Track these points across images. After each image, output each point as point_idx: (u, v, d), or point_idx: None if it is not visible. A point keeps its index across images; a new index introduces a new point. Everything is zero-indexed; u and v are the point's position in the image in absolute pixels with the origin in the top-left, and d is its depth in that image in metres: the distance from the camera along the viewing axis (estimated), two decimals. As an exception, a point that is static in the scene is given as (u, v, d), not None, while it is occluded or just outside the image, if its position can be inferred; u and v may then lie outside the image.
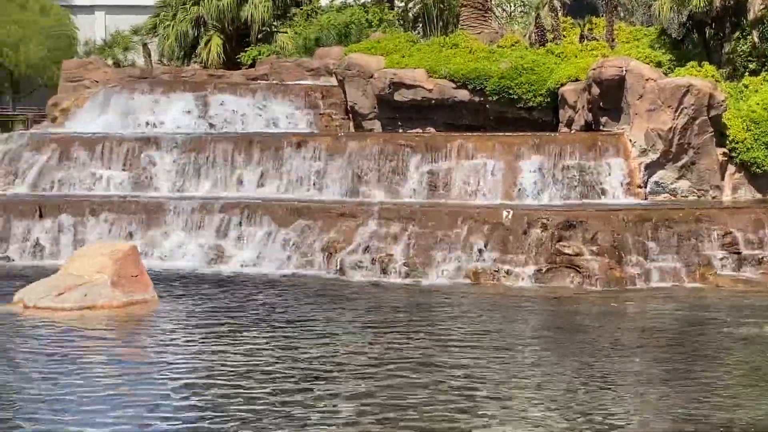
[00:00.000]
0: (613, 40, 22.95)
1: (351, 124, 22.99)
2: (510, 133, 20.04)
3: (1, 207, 18.18)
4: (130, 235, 17.64)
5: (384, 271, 16.21)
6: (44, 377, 9.51)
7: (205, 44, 31.71)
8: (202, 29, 32.56)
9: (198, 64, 31.55)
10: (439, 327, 12.29)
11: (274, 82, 25.14)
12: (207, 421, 8.18)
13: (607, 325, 12.76)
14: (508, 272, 15.90)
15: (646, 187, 18.91)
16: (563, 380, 9.70)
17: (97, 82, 25.54)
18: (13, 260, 17.55)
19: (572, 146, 18.77)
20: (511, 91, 21.30)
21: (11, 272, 16.34)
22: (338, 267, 16.44)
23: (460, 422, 8.24)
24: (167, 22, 33.25)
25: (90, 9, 54.97)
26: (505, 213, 16.50)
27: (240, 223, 17.60)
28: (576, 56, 21.84)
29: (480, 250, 16.17)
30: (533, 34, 24.11)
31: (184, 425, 8.10)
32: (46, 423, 8.09)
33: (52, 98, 26.66)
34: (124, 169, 20.02)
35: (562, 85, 20.79)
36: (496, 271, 15.94)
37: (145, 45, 33.52)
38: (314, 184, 19.24)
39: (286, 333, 11.74)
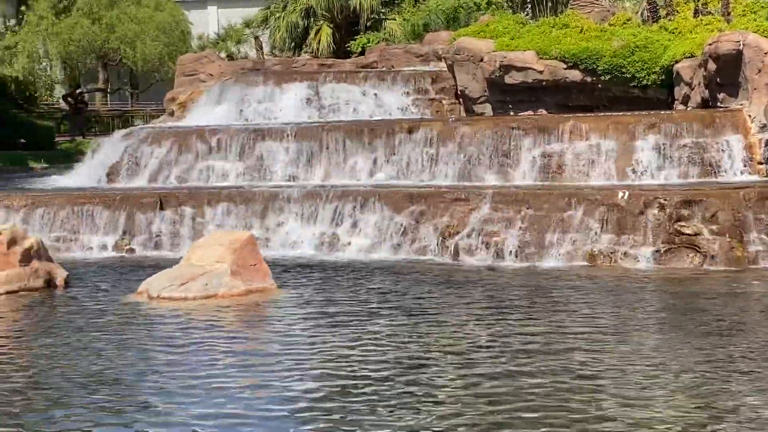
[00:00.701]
0: (729, 14, 22.33)
1: (461, 108, 22.96)
2: (624, 113, 19.71)
3: (124, 200, 18.73)
4: (247, 224, 17.97)
5: (498, 255, 16.17)
6: (170, 366, 9.77)
7: (315, 34, 32.12)
8: (312, 19, 32.97)
9: (308, 54, 31.95)
10: (557, 310, 12.19)
11: (384, 69, 25.28)
12: (332, 405, 8.29)
13: (729, 305, 12.48)
14: (625, 254, 15.67)
15: (766, 163, 18.38)
16: (688, 363, 9.52)
17: (212, 75, 26.09)
18: (136, 252, 18.05)
19: (689, 124, 18.35)
20: (624, 70, 20.96)
21: (135, 264, 16.83)
22: (452, 252, 16.46)
23: (582, 409, 8.17)
24: (278, 14, 33.78)
25: (202, 3, 56.08)
26: (621, 194, 16.25)
27: (354, 210, 17.76)
28: (690, 32, 21.35)
29: (596, 232, 15.98)
30: (645, 11, 23.64)
31: (308, 412, 8.21)
32: (168, 413, 8.29)
33: (168, 93, 27.36)
34: (239, 160, 20.42)
35: (677, 61, 20.36)
36: (612, 252, 15.72)
37: (256, 37, 34.16)
38: (426, 169, 19.27)
39: (404, 319, 11.80)
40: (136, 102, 53.25)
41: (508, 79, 21.85)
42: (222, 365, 9.71)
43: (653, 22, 22.79)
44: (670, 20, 22.44)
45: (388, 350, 10.22)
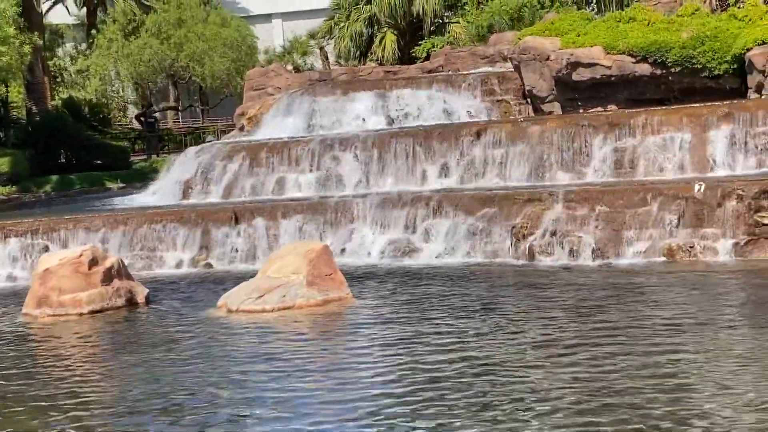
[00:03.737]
0: (800, -2, 21.89)
1: (529, 108, 22.83)
2: (697, 104, 19.40)
3: (200, 216, 18.95)
4: (321, 235, 18.06)
5: (574, 255, 16.01)
6: (250, 374, 9.85)
7: (380, 42, 32.20)
8: (376, 27, 33.07)
9: (374, 61, 32.04)
10: (639, 308, 12.02)
11: (450, 72, 25.24)
12: (414, 413, 8.28)
13: (815, 296, 12.19)
14: (704, 247, 15.41)
15: None
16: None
17: (279, 88, 26.32)
18: (213, 266, 18.24)
19: (764, 112, 17.98)
20: (694, 61, 20.65)
21: (213, 278, 17.01)
22: (527, 253, 16.34)
23: (672, 406, 8.04)
24: (342, 24, 33.94)
25: (267, 17, 56.57)
26: (697, 186, 15.99)
27: (426, 215, 17.74)
28: (761, 19, 20.93)
29: (674, 227, 15.74)
30: (713, 0, 23.27)
31: (388, 420, 8.21)
32: (251, 426, 8.36)
33: (238, 108, 27.66)
34: (311, 171, 20.55)
35: (749, 49, 19.99)
36: (692, 247, 15.47)
37: (321, 48, 34.38)
38: (497, 171, 19.18)
39: (485, 322, 11.73)
40: (207, 118, 53.92)
41: (575, 77, 21.68)
42: (305, 375, 9.76)
43: (722, 10, 22.43)
44: (739, 8, 22.05)
45: (473, 354, 10.14)
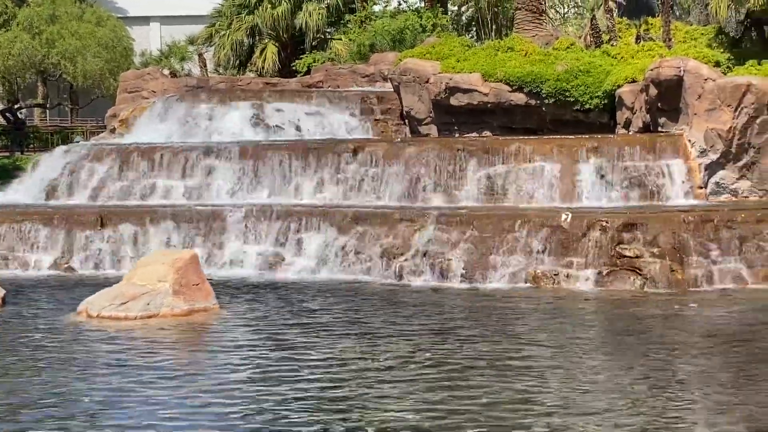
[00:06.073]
0: (670, 40, 22.72)
1: (407, 129, 23.02)
2: (567, 136, 19.91)
3: (64, 217, 18.44)
4: (190, 243, 17.79)
5: (443, 276, 16.19)
6: (107, 385, 9.62)
7: (261, 53, 32.00)
8: (257, 38, 32.87)
9: (253, 72, 31.84)
10: (500, 331, 12.23)
11: (330, 88, 25.26)
12: (263, 425, 8.22)
13: (670, 328, 12.61)
14: (567, 275, 15.79)
15: (706, 187, 18.68)
16: (627, 384, 9.60)
17: (155, 92, 25.84)
18: (75, 270, 17.77)
19: (631, 148, 18.60)
20: (567, 94, 21.19)
21: (74, 282, 16.57)
22: (397, 273, 16.45)
23: (524, 427, 8.19)
24: (222, 32, 33.62)
25: (145, 20, 55.63)
26: (564, 216, 16.39)
27: (298, 230, 17.68)
28: (632, 57, 21.66)
29: (539, 254, 16.09)
30: (588, 36, 23.97)
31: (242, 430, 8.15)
32: (107, 428, 8.17)
33: (110, 109, 27.04)
34: (183, 178, 20.22)
35: (619, 86, 20.63)
36: (556, 274, 15.84)
37: (200, 55, 33.90)
38: (372, 190, 19.26)
39: (347, 339, 11.76)
40: (76, 118, 52.58)
41: (453, 101, 21.98)
42: (158, 384, 9.60)
43: (596, 47, 23.09)
44: (612, 45, 22.76)
45: (327, 370, 10.18)
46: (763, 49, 21.83)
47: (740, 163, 18.88)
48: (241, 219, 18.09)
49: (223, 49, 33.00)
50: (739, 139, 18.70)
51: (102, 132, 28.12)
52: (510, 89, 21.65)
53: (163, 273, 13.49)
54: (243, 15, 33.10)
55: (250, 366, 10.44)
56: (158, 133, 22.66)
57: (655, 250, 15.72)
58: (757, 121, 18.65)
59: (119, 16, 50.31)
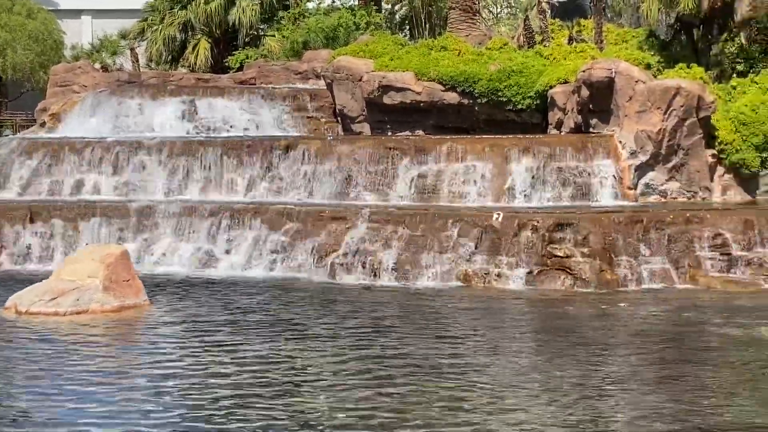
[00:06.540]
0: (601, 42, 23.02)
1: (339, 127, 23.00)
2: (500, 136, 20.06)
3: (-9, 212, 18.12)
4: (121, 239, 17.60)
5: (374, 275, 16.22)
6: (34, 382, 9.48)
7: (193, 48, 31.68)
8: (190, 33, 32.53)
9: (186, 68, 31.53)
10: (430, 330, 12.29)
11: (262, 85, 25.13)
12: (191, 423, 8.17)
13: (598, 327, 12.79)
14: (499, 275, 15.92)
15: (636, 188, 18.96)
16: (555, 382, 9.72)
17: (86, 86, 25.46)
18: (3, 265, 17.47)
19: (562, 148, 18.80)
20: (500, 94, 21.34)
21: (3, 277, 16.29)
22: (328, 270, 16.44)
23: (452, 428, 8.24)
24: (155, 27, 33.20)
25: (77, 13, 54.81)
26: (495, 215, 16.52)
27: (230, 227, 17.58)
28: (565, 58, 21.89)
29: (470, 253, 16.19)
30: (521, 37, 24.17)
31: (171, 428, 8.09)
32: (33, 426, 8.05)
33: (41, 103, 26.56)
34: (114, 174, 19.98)
35: (551, 87, 20.83)
36: (486, 273, 15.96)
37: (132, 49, 33.44)
38: (304, 187, 19.22)
39: (274, 336, 11.74)
40: (5, 111, 51.64)
41: (386, 100, 22.01)
42: (86, 382, 9.49)
43: (529, 47, 23.29)
44: (545, 46, 22.97)
45: (256, 368, 10.14)
46: (693, 52, 22.23)
47: (669, 165, 19.21)
48: (171, 215, 17.93)
49: (156, 44, 32.59)
50: (668, 141, 19.02)
51: (32, 126, 27.62)
52: (443, 88, 21.74)
53: (93, 269, 13.34)
54: (176, 10, 32.75)
55: (178, 364, 10.37)
56: (89, 128, 22.35)
57: (586, 249, 15.93)
58: (686, 123, 18.99)
59: (50, 8, 49.48)
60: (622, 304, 14.38)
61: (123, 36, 36.39)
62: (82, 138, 21.19)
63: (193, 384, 9.51)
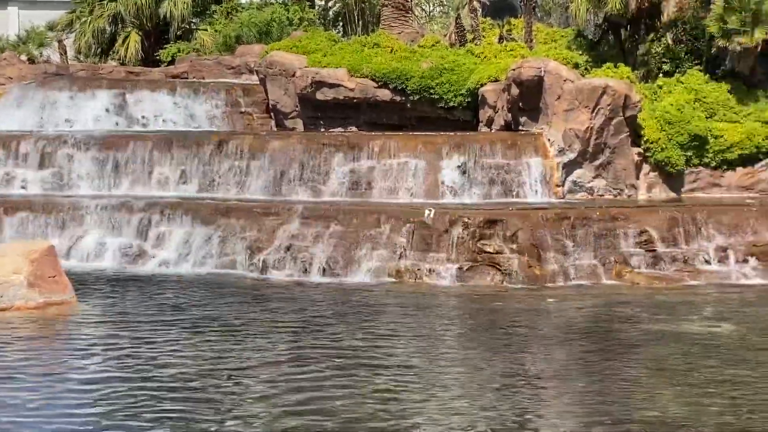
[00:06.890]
0: (531, 41, 23.25)
1: (272, 122, 22.93)
2: (432, 132, 20.17)
3: None
4: (47, 235, 17.34)
5: (306, 271, 16.21)
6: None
7: (123, 41, 31.27)
8: (120, 26, 32.10)
9: (116, 61, 31.13)
10: (361, 326, 12.33)
11: (194, 79, 24.95)
12: (119, 422, 8.11)
13: (526, 322, 12.95)
14: (430, 271, 16.02)
15: (564, 186, 19.21)
16: (483, 378, 9.83)
17: (11, 78, 25.04)
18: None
19: (492, 146, 18.98)
20: (432, 91, 21.45)
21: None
22: (260, 266, 16.39)
23: (383, 423, 8.29)
24: (84, 18, 32.69)
25: (3, 3, 53.81)
26: (427, 212, 16.62)
27: (160, 222, 17.43)
28: (495, 57, 22.07)
29: (402, 249, 16.27)
30: (453, 35, 24.30)
31: (94, 427, 8.03)
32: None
33: (-36, 95, 26.03)
34: (40, 168, 19.68)
35: (482, 85, 20.98)
36: (418, 269, 16.05)
37: (60, 41, 32.92)
38: (236, 183, 19.12)
39: (205, 333, 11.68)
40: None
41: (319, 96, 21.99)
42: (8, 379, 9.36)
43: (461, 45, 23.44)
44: (476, 45, 23.15)
45: (186, 365, 10.10)
46: (620, 52, 22.56)
47: (596, 163, 19.48)
48: (100, 210, 17.72)
49: (84, 36, 32.08)
50: (595, 140, 19.29)
51: (-45, 118, 27.05)
52: (376, 85, 21.80)
53: (17, 265, 13.12)
54: (105, 2, 32.27)
55: (105, 362, 10.27)
56: (14, 121, 21.96)
57: (514, 246, 16.11)
58: (613, 122, 19.28)
59: (-25, -2, 48.48)
60: (550, 300, 14.57)
61: (51, 27, 35.75)
62: (8, 131, 20.83)
63: (120, 382, 9.42)
